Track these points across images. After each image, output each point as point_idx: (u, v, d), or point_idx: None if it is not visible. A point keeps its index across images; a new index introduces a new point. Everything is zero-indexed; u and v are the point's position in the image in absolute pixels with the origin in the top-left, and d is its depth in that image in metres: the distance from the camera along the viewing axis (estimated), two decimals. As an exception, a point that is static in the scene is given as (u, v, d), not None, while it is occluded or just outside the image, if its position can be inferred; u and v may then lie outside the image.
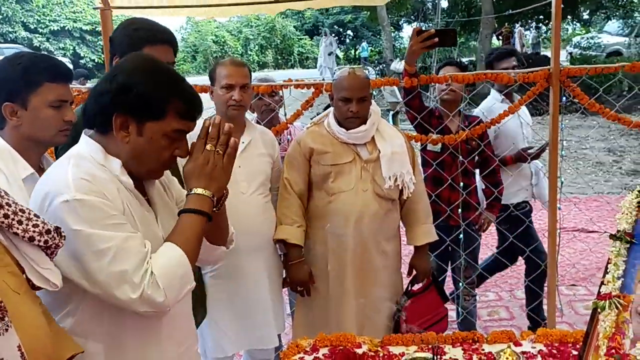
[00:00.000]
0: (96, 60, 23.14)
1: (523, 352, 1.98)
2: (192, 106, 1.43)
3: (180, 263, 1.37)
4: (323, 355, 2.02)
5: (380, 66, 16.75)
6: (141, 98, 1.37)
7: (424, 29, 2.59)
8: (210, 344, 2.49)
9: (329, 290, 2.50)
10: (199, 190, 1.43)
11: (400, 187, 2.49)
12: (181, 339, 1.55)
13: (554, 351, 1.99)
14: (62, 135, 1.80)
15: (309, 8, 7.03)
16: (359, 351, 2.03)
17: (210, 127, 1.44)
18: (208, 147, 1.43)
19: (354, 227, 2.44)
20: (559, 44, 2.71)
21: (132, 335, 1.41)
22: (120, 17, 3.06)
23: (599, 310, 1.48)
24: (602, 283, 1.51)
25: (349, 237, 2.44)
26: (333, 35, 22.59)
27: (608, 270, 1.50)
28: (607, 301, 1.46)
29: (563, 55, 17.44)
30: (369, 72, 16.70)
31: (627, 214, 1.47)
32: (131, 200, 1.42)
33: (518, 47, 17.47)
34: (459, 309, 3.19)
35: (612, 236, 1.50)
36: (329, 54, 17.52)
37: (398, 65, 14.65)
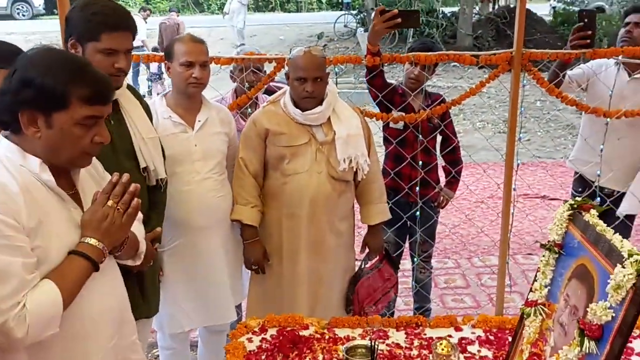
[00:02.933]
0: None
1: (462, 338, 2.07)
2: (97, 90, 1.41)
3: (54, 304, 1.35)
4: (270, 336, 2.08)
5: (361, 15, 16.40)
6: (41, 90, 1.35)
7: (387, 9, 2.55)
8: (167, 319, 2.54)
9: (282, 269, 2.55)
10: (92, 242, 1.43)
11: (354, 169, 2.51)
12: (109, 334, 1.56)
13: (491, 337, 2.08)
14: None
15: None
16: (306, 333, 2.10)
17: (117, 185, 1.44)
18: (110, 203, 1.44)
19: (308, 208, 2.47)
20: (522, 25, 2.69)
21: (53, 336, 1.40)
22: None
23: (525, 315, 1.55)
24: (530, 290, 1.58)
25: (303, 217, 2.48)
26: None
27: (536, 279, 1.56)
28: (533, 308, 1.52)
29: (546, 9, 17.27)
30: (349, 19, 16.39)
31: (557, 226, 1.52)
32: (53, 203, 1.41)
33: (502, 0, 17.27)
34: (413, 282, 3.29)
35: (542, 246, 1.55)
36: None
37: (379, 15, 14.37)
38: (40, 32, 15.56)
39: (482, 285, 3.94)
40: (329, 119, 2.47)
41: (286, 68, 2.55)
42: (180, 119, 2.44)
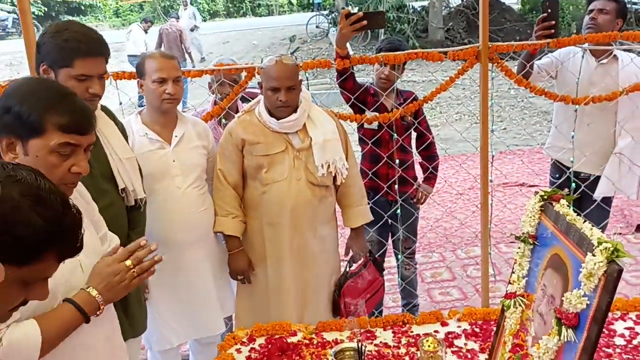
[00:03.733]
0: (36, 13, 21.98)
1: (449, 333, 2.10)
2: (74, 119, 1.40)
3: (33, 347, 1.33)
4: (259, 345, 2.09)
5: (333, 15, 16.42)
6: (18, 116, 1.37)
7: (352, 12, 2.58)
8: (155, 336, 2.53)
9: (268, 278, 2.56)
10: (93, 292, 1.44)
11: (333, 174, 2.52)
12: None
13: (477, 329, 2.11)
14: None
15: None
16: (294, 339, 2.12)
17: (141, 249, 1.47)
18: (128, 262, 1.47)
19: (289, 216, 2.47)
20: (487, 19, 2.72)
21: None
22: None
23: (505, 308, 1.58)
24: (509, 282, 1.60)
25: (285, 226, 2.48)
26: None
27: (514, 271, 1.59)
28: (512, 300, 1.55)
29: (514, -3, 17.46)
30: (320, 20, 16.41)
31: (530, 217, 1.55)
32: None
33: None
34: (399, 279, 3.31)
35: (517, 237, 1.58)
36: (191, 30, 13.56)
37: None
38: (9, 53, 15.35)
39: (467, 277, 3.98)
40: (304, 125, 2.48)
41: (257, 77, 2.56)
42: (156, 136, 2.43)
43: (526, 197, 5.38)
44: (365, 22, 2.54)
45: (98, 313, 1.46)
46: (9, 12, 21.61)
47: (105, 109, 2.16)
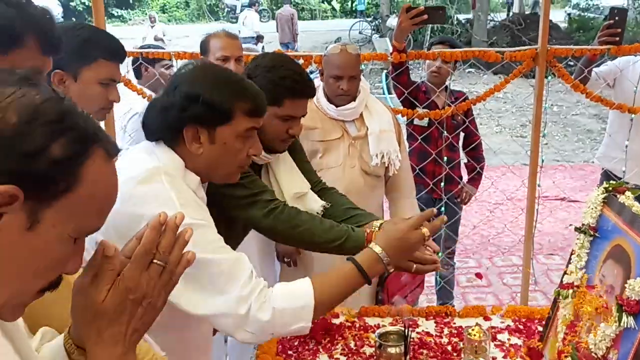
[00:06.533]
0: (86, 3, 22.59)
1: (492, 327, 2.10)
2: (257, 103, 1.44)
3: (304, 294, 1.42)
4: (302, 325, 2.12)
5: (376, 21, 16.48)
6: (208, 105, 1.37)
7: (412, 6, 2.60)
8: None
9: (313, 262, 2.58)
10: (377, 249, 1.47)
11: (386, 164, 2.54)
12: None
13: (521, 326, 2.10)
14: (102, 114, 1.80)
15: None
16: (336, 321, 2.14)
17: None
18: (424, 231, 1.50)
19: None
20: (547, 24, 2.72)
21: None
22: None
23: (560, 297, 1.58)
24: (564, 273, 1.60)
25: None
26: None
27: (571, 261, 1.59)
28: (568, 290, 1.55)
29: (561, 16, 17.25)
30: (363, 26, 16.49)
31: (592, 209, 1.55)
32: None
33: (517, 6, 17.26)
34: (438, 277, 3.31)
35: (577, 229, 1.58)
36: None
37: (394, 21, 14.46)
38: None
39: (504, 284, 3.95)
40: (361, 114, 2.50)
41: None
42: None
43: (566, 212, 5.31)
44: (425, 17, 2.56)
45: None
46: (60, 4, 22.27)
47: None
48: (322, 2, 25.89)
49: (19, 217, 0.68)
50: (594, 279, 1.50)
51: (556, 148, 7.56)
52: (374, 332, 2.03)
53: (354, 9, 23.36)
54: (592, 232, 1.53)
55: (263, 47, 12.48)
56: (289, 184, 2.01)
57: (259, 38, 13.17)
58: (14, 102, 0.68)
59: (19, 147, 0.67)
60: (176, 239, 0.85)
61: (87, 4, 22.47)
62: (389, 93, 9.54)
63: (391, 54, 2.77)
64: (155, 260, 0.84)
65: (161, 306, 0.86)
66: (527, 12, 16.54)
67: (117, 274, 0.82)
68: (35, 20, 1.07)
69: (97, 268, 0.81)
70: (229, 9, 20.90)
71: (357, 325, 2.12)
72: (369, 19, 17.24)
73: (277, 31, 14.48)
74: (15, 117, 0.67)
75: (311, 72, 2.57)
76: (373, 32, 16.09)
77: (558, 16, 16.43)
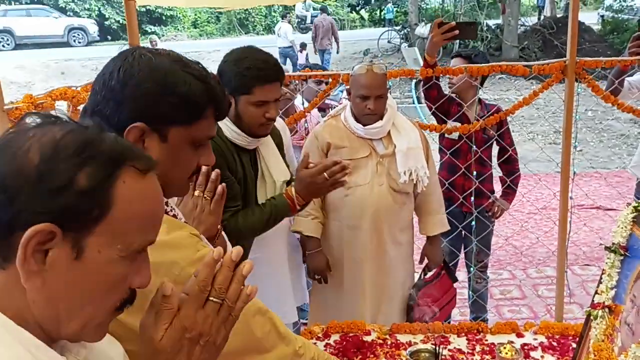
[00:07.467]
0: (120, 22, 23.18)
1: (524, 344, 2.09)
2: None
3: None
4: (334, 341, 2.14)
5: (405, 30, 16.46)
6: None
7: (445, 21, 2.62)
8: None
9: (343, 280, 2.61)
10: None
11: (414, 181, 2.56)
12: None
13: (554, 343, 2.09)
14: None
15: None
16: (368, 338, 2.16)
17: (200, 176, 1.52)
18: (196, 193, 1.52)
19: (370, 220, 2.52)
20: (575, 33, 2.70)
21: None
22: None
23: (592, 317, 1.57)
24: (595, 292, 1.60)
25: (365, 230, 2.53)
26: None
27: (602, 281, 1.59)
28: (600, 310, 1.55)
29: (594, 18, 16.93)
30: (392, 35, 16.47)
31: (622, 228, 1.54)
32: None
33: (548, 10, 17.03)
34: (470, 292, 3.30)
35: (607, 248, 1.58)
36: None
37: (422, 29, 14.43)
38: (95, 58, 16.26)
39: (538, 297, 3.90)
40: (389, 132, 2.53)
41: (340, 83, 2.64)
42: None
43: (602, 220, 5.21)
44: (457, 32, 2.58)
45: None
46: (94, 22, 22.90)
47: None
48: (351, 11, 25.94)
49: (64, 250, 0.72)
50: (624, 299, 1.50)
51: (591, 155, 7.43)
52: (405, 349, 2.04)
53: (382, 18, 23.38)
54: (622, 252, 1.53)
55: (307, 55, 14.07)
56: (277, 172, 2.24)
57: (302, 46, 14.16)
58: (36, 143, 0.72)
59: (45, 185, 0.70)
60: (233, 274, 0.85)
61: (121, 22, 23.06)
62: (419, 103, 9.52)
63: (418, 70, 2.78)
64: (211, 298, 0.84)
65: (222, 343, 0.86)
66: (558, 16, 16.28)
67: (174, 313, 0.83)
68: (215, 92, 1.17)
69: (157, 307, 0.84)
70: (299, 19, 21.98)
71: (389, 343, 2.14)
72: (398, 28, 17.23)
73: (313, 38, 15.17)
74: (38, 157, 0.71)
75: (341, 92, 2.63)
76: (402, 40, 16.07)
77: (591, 18, 16.14)
